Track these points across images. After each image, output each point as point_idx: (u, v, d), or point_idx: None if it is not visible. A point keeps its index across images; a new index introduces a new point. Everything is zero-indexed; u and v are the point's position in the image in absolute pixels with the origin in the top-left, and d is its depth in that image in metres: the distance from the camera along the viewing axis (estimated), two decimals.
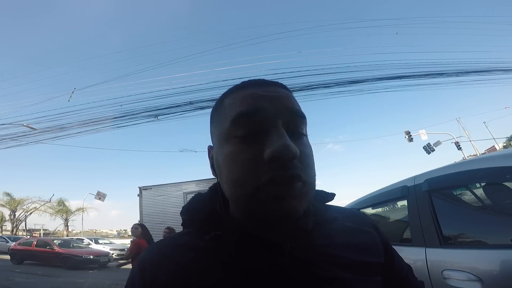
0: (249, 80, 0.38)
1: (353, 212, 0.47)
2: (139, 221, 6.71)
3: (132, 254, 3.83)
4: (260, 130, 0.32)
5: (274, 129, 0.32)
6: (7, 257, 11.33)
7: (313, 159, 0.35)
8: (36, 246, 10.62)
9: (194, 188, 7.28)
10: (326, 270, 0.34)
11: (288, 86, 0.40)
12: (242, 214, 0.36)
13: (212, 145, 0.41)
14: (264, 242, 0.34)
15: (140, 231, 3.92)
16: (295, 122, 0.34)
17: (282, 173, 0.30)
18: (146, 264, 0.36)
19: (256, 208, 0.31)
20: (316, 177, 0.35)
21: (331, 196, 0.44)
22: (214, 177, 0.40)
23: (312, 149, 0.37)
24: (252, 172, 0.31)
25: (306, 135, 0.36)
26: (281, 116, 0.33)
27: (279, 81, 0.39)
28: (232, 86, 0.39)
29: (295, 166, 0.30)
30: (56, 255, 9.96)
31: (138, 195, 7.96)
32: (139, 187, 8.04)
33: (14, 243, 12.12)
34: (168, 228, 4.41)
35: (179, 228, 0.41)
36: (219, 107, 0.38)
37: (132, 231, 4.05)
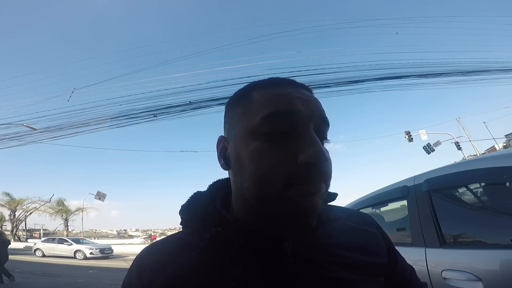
0: (278, 78, 0.37)
1: (357, 212, 0.47)
2: None
3: None
4: (292, 131, 0.32)
5: (306, 133, 0.32)
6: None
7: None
8: None
9: None
10: (330, 270, 0.34)
11: None
12: (252, 211, 0.34)
13: (224, 135, 0.39)
14: (266, 239, 0.33)
15: None
16: (322, 128, 0.35)
17: (313, 179, 0.30)
18: (145, 264, 0.35)
19: (283, 205, 0.31)
20: None
21: (334, 195, 0.43)
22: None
23: None
24: (283, 172, 0.30)
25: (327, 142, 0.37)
26: (313, 121, 0.33)
27: None
28: (258, 80, 0.38)
29: (325, 171, 0.31)
30: None
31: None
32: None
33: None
34: None
35: None
36: (244, 100, 0.37)
37: None
